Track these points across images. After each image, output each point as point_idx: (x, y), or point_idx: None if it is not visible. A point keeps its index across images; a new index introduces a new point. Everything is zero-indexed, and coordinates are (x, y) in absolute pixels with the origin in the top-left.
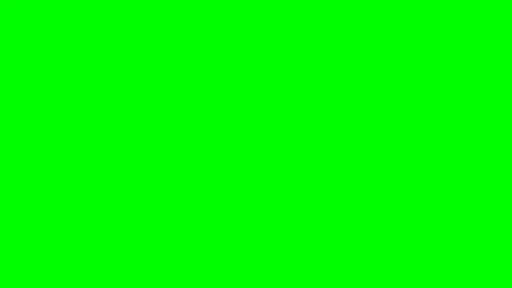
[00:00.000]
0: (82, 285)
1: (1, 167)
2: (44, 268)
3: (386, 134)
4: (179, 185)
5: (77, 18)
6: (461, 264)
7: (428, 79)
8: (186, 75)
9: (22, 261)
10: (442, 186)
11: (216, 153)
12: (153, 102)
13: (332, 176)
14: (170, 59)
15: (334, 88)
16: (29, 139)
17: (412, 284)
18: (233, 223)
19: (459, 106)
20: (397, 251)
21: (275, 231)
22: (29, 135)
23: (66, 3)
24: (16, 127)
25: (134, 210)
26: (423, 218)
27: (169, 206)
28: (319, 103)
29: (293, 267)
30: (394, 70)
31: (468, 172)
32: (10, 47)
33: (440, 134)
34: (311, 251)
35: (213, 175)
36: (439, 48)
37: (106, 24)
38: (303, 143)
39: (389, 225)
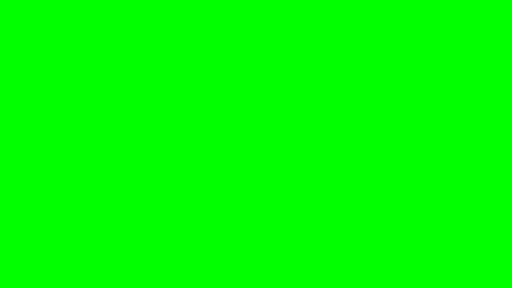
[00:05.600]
0: (82, 285)
1: (1, 167)
2: (44, 268)
3: (386, 134)
4: (179, 185)
5: (77, 18)
6: (461, 264)
7: (428, 79)
8: (186, 75)
9: (22, 261)
10: (442, 186)
11: (216, 153)
12: (153, 102)
13: (332, 176)
14: (170, 59)
15: (334, 88)
16: (29, 139)
17: (412, 284)
18: (233, 223)
19: (459, 106)
20: (397, 251)
21: (275, 231)
22: (29, 135)
23: (66, 3)
24: (16, 127)
25: (134, 210)
26: (423, 218)
27: (169, 206)
28: (319, 103)
29: (293, 267)
30: (394, 70)
31: (468, 172)
32: (10, 47)
33: (440, 134)
34: (311, 251)
35: (213, 175)
36: (439, 48)
37: (106, 24)
38: (303, 143)
39: (389, 225)
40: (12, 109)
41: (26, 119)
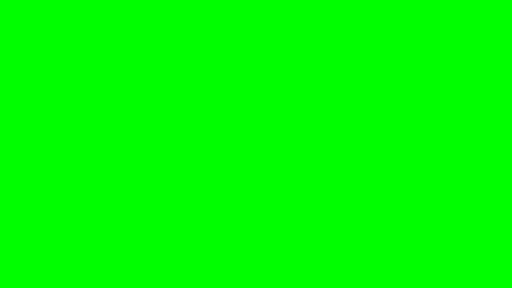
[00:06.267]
0: (82, 285)
1: (1, 167)
2: (44, 268)
3: (386, 134)
4: (179, 185)
5: (77, 18)
6: (461, 264)
7: (428, 79)
8: (186, 75)
9: (22, 261)
10: (442, 186)
11: (216, 153)
12: (153, 102)
13: (332, 176)
14: (170, 59)
15: (334, 88)
16: (29, 139)
17: (412, 284)
18: (233, 223)
19: (459, 106)
20: (397, 251)
21: (275, 232)
22: (29, 135)
23: (66, 3)
24: (16, 127)
25: (134, 210)
26: (423, 218)
27: (169, 206)
28: (319, 103)
29: (293, 267)
30: (394, 70)
31: (468, 172)
32: (10, 47)
33: (440, 134)
34: (311, 251)
35: (213, 175)
36: (439, 48)
37: (106, 24)
38: (304, 143)
39: (389, 225)
40: (12, 109)
41: (26, 119)
